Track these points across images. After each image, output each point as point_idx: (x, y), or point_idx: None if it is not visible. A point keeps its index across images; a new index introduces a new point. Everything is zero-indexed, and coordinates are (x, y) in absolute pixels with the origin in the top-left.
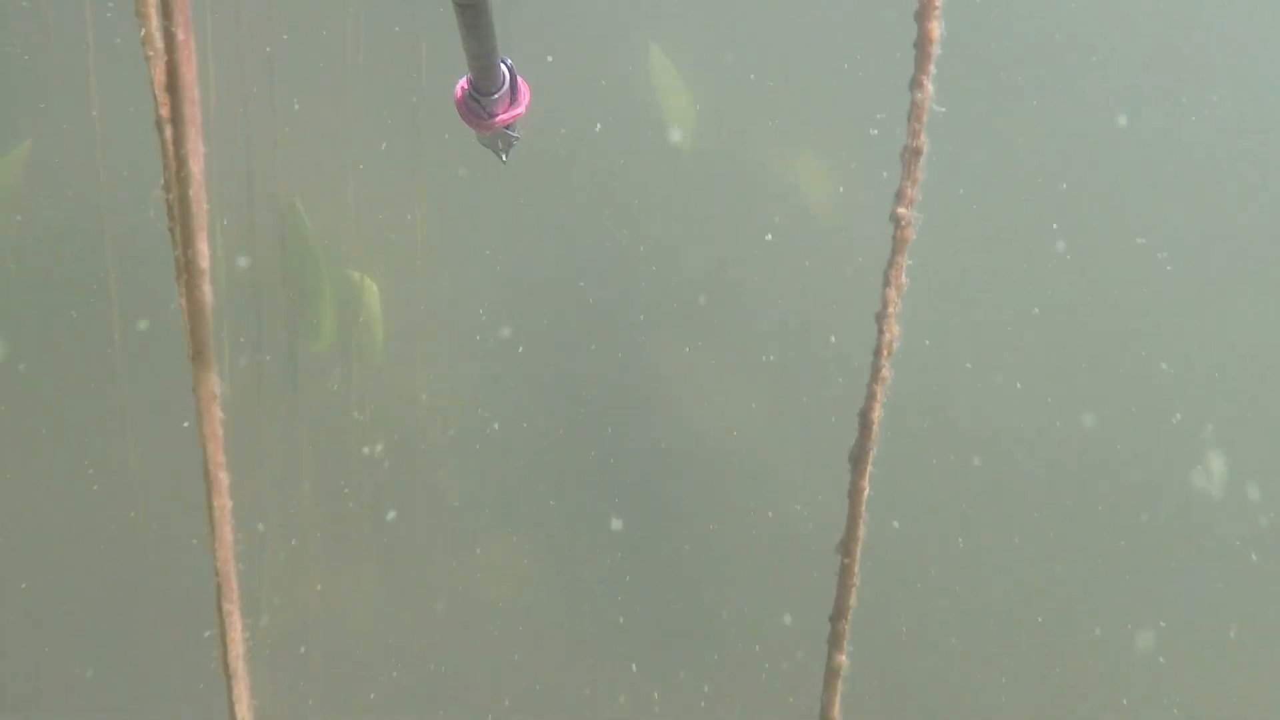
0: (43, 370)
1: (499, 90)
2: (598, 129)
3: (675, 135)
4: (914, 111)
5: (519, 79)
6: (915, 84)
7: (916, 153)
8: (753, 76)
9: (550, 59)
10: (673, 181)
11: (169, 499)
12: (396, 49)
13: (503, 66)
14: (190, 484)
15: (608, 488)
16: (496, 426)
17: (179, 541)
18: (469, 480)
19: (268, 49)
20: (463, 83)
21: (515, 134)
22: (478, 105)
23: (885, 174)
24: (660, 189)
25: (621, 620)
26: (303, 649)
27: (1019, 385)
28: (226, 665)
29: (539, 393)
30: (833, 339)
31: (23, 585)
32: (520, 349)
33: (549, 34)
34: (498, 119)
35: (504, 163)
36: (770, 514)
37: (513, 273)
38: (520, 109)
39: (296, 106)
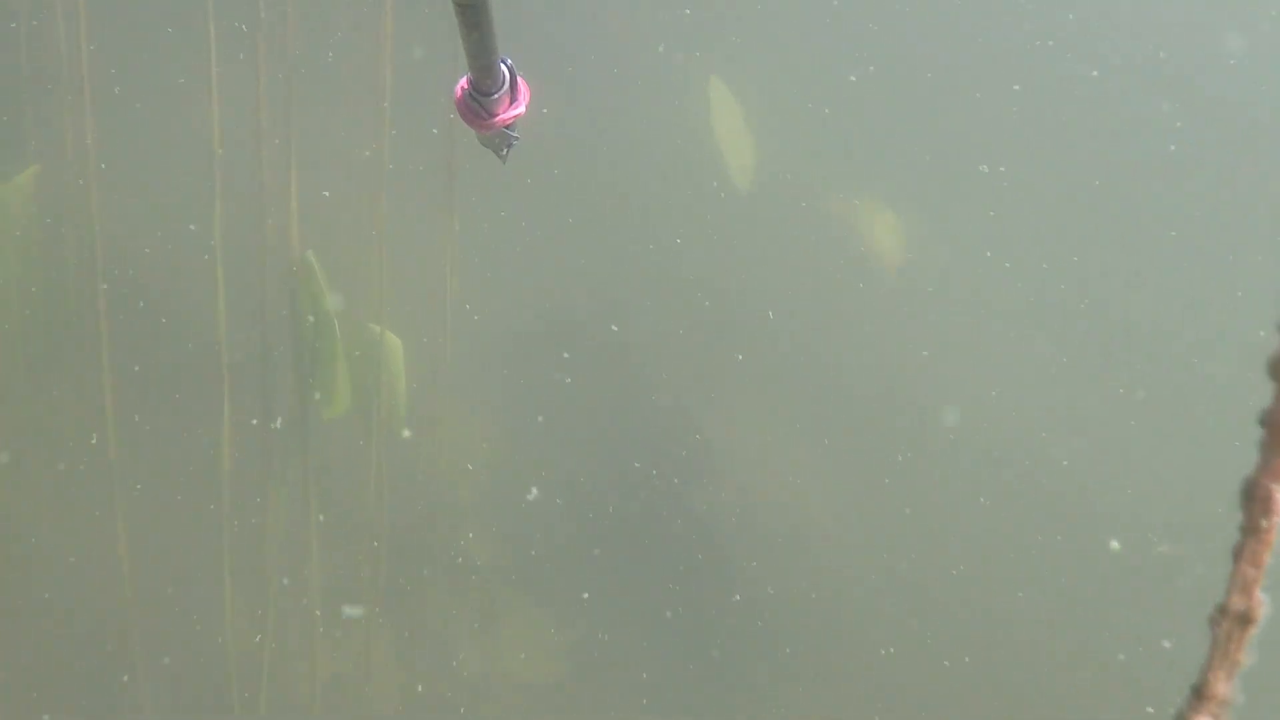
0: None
1: (499, 90)
2: (648, 163)
3: (732, 172)
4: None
5: (519, 79)
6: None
7: (1244, 623)
8: (818, 113)
9: (598, 84)
10: (728, 223)
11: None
12: (422, 90)
13: (503, 66)
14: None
15: (652, 560)
16: (530, 492)
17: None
18: (497, 550)
19: (283, 94)
20: (463, 83)
21: (515, 134)
22: (478, 105)
23: (958, 226)
24: (714, 231)
25: (659, 705)
26: None
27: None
28: None
29: (577, 456)
30: (907, 405)
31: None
32: (557, 408)
33: (600, 59)
34: (497, 119)
35: (503, 163)
36: (829, 595)
37: (549, 325)
38: (520, 109)
39: (312, 154)
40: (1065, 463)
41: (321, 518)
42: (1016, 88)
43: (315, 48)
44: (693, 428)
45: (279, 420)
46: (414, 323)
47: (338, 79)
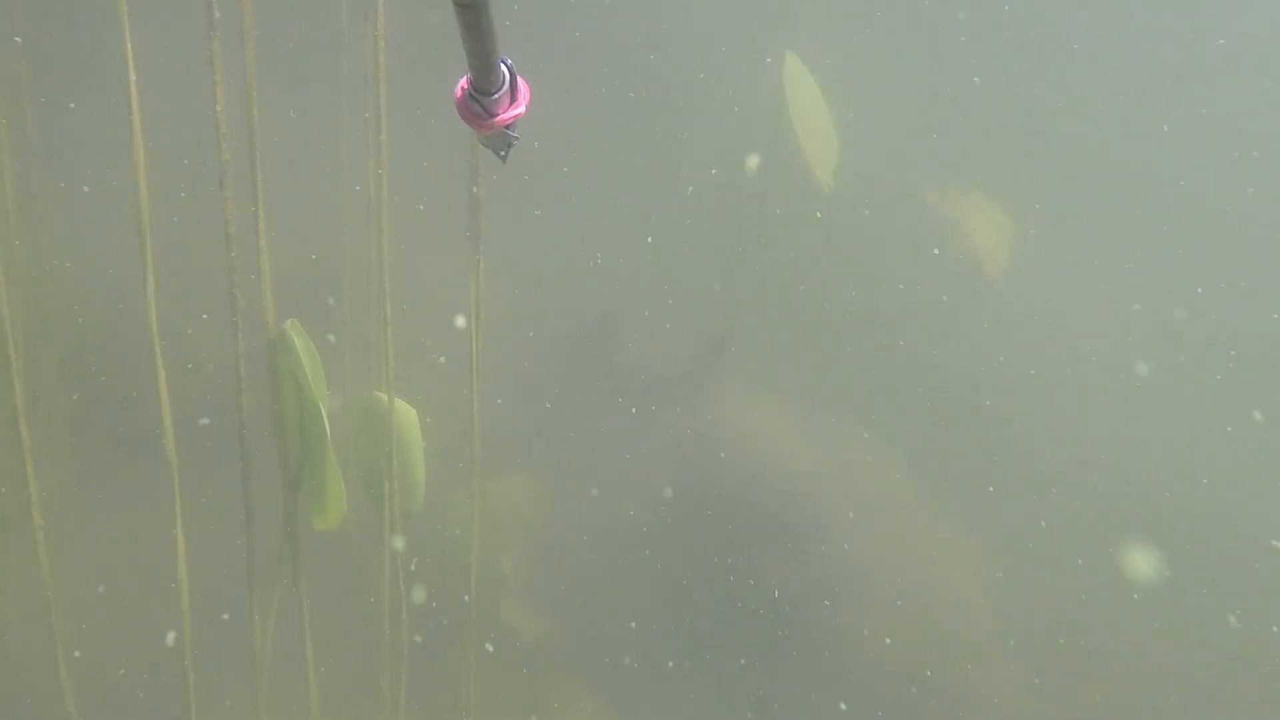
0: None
1: (499, 90)
2: (712, 161)
3: (813, 168)
4: None
5: (519, 79)
6: None
7: None
8: (910, 93)
9: (647, 62)
10: (809, 228)
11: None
12: (427, 98)
13: (503, 66)
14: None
15: (729, 639)
16: (569, 582)
17: None
18: (541, 631)
19: (247, 113)
20: (463, 83)
21: (515, 134)
22: (478, 105)
23: (1073, 222)
24: (792, 240)
25: None
26: None
27: None
28: None
29: (637, 517)
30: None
31: None
32: (611, 462)
33: (652, 33)
34: (497, 119)
35: (503, 163)
36: (950, 675)
37: (595, 363)
38: (520, 109)
39: (287, 187)
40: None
41: (310, 628)
42: (1153, 63)
43: (286, 53)
44: (778, 475)
45: (258, 531)
46: (431, 387)
47: (317, 90)
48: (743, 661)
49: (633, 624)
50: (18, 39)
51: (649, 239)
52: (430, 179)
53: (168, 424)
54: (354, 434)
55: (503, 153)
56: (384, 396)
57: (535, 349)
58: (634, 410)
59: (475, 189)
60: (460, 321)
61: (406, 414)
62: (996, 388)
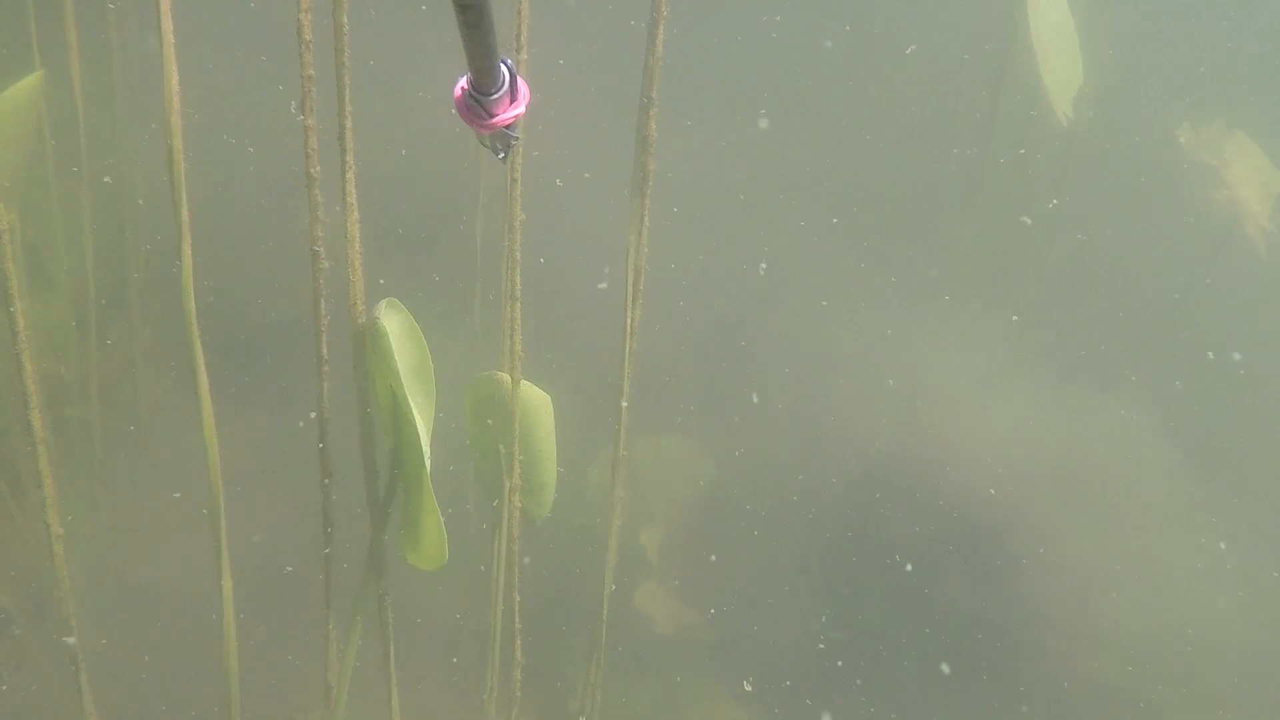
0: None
1: (498, 90)
2: (932, 82)
3: (1051, 95)
4: None
5: (519, 79)
6: None
7: None
8: (1167, 11)
9: None
10: (1039, 164)
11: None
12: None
13: (503, 67)
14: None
15: (890, 658)
16: (720, 571)
17: None
18: (669, 635)
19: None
20: (463, 83)
21: (515, 134)
22: (477, 105)
23: None
24: (1017, 175)
25: None
26: None
27: None
28: None
29: (798, 512)
30: None
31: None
32: (774, 450)
33: None
34: (496, 119)
35: (502, 162)
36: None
37: (765, 338)
38: (520, 109)
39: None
40: None
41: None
42: None
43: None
44: (992, 463)
45: (346, 563)
46: (567, 368)
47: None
48: (933, 701)
49: (793, 627)
50: None
51: (844, 182)
52: (589, 111)
53: (212, 442)
54: (469, 425)
55: (502, 154)
56: (507, 378)
57: (701, 306)
58: (813, 377)
59: (648, 124)
60: (604, 285)
61: (538, 401)
62: (1260, 366)
